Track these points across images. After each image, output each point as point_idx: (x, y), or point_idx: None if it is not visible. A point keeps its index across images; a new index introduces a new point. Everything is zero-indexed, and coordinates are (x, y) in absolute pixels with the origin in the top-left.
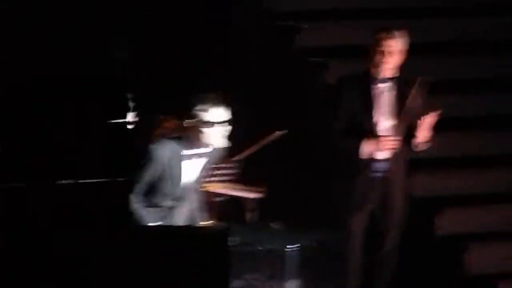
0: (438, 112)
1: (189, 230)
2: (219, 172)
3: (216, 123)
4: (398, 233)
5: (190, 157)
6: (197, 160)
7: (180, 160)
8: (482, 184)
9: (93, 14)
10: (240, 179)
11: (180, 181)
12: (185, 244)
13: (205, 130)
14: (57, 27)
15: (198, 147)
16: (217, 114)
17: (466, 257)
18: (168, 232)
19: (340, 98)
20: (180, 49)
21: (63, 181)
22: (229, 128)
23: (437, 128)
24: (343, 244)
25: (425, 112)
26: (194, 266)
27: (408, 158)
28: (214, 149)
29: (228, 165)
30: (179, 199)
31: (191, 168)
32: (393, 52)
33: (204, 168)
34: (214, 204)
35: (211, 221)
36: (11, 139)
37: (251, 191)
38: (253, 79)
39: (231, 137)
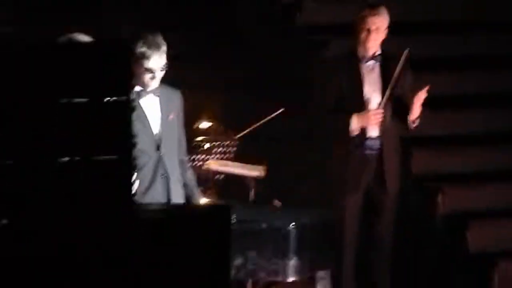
0: (428, 87)
1: (190, 208)
2: (219, 149)
3: (156, 69)
4: (394, 211)
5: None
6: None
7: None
8: (482, 162)
9: None
10: (240, 157)
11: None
12: (186, 222)
13: (146, 75)
14: None
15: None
16: (157, 60)
17: (465, 235)
18: (169, 209)
19: (328, 79)
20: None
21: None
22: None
23: (437, 106)
24: (340, 223)
25: (415, 88)
26: (194, 244)
27: (400, 135)
28: (165, 90)
29: (228, 143)
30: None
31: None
32: (379, 29)
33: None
34: (214, 182)
35: (210, 200)
36: None
37: (251, 169)
38: (255, 57)
39: (231, 115)
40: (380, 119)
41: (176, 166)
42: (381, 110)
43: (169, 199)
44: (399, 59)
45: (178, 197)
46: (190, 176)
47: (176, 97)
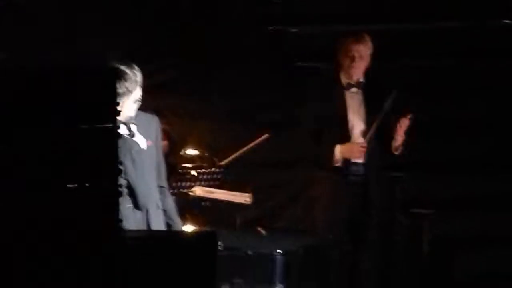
0: (410, 114)
1: (175, 235)
2: (205, 176)
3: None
4: (379, 237)
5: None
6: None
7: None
8: (469, 188)
9: None
10: (226, 184)
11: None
12: (171, 249)
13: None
14: None
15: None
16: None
17: (452, 260)
18: (154, 237)
19: (312, 105)
20: None
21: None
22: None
23: (422, 132)
24: (324, 249)
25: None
26: (180, 271)
27: (384, 160)
28: (142, 116)
29: (214, 170)
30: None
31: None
32: (362, 57)
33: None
34: (201, 209)
35: (197, 226)
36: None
37: (237, 196)
38: (240, 83)
39: (216, 142)
40: (363, 152)
41: (155, 192)
42: (365, 144)
43: (148, 226)
44: (387, 98)
45: (157, 224)
46: (171, 202)
47: (153, 123)
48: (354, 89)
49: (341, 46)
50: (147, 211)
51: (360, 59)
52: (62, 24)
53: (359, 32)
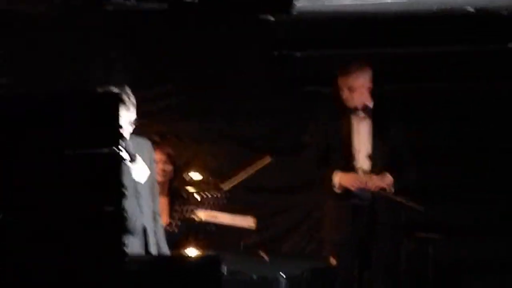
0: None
1: (180, 259)
2: (209, 200)
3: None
4: (385, 261)
5: None
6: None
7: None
8: (475, 212)
9: None
10: (230, 208)
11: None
12: (175, 274)
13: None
14: None
15: None
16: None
17: (457, 286)
18: (158, 261)
19: (316, 127)
20: None
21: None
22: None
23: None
24: (330, 274)
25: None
26: None
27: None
28: (135, 141)
29: (218, 194)
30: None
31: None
32: (359, 87)
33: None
34: (205, 233)
35: (198, 251)
36: None
37: (241, 219)
38: (244, 108)
39: (219, 166)
40: (361, 186)
41: (151, 217)
42: (365, 181)
43: (147, 251)
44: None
45: (154, 249)
46: (161, 228)
47: (146, 148)
48: (360, 114)
49: (338, 75)
50: (145, 236)
51: (357, 89)
52: (61, 48)
53: (349, 64)
